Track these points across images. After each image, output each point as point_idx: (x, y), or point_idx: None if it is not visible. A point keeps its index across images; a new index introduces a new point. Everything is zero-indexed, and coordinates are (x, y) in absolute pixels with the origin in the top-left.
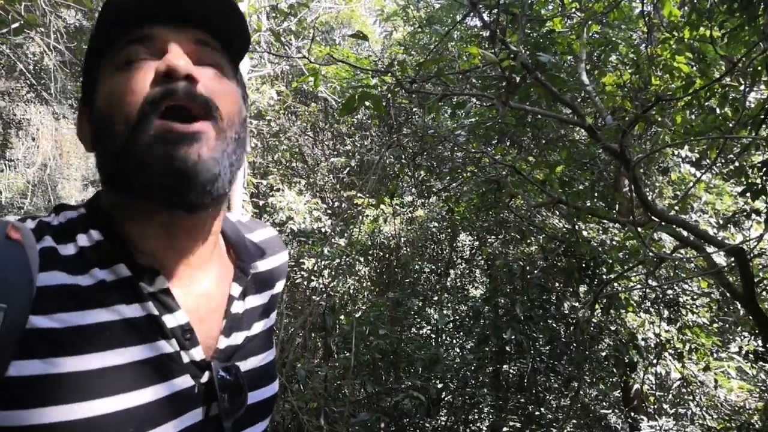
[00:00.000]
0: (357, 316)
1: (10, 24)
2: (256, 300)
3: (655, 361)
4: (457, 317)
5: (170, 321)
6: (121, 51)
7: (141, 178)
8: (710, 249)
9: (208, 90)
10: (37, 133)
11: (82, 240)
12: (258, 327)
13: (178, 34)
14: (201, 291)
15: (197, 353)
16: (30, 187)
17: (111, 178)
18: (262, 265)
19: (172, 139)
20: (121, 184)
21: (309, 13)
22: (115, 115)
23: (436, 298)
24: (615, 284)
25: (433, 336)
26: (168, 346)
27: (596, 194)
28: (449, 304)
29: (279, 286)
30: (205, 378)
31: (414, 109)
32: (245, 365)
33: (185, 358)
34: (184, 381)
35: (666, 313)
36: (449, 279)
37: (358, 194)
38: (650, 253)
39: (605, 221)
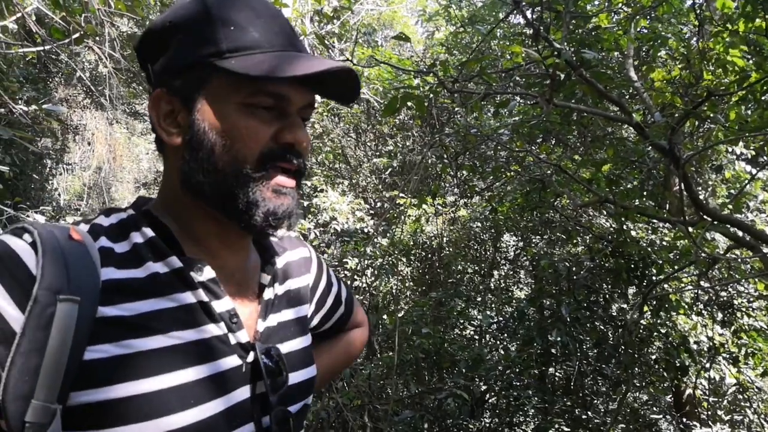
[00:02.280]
0: (400, 315)
1: (71, 34)
2: (281, 288)
3: (708, 365)
4: (501, 318)
5: (218, 306)
6: (249, 94)
7: (245, 215)
8: (767, 249)
9: (306, 152)
10: (92, 137)
11: (136, 237)
12: (289, 314)
13: (299, 96)
14: (240, 279)
15: (243, 336)
16: (86, 189)
17: (199, 190)
18: (281, 260)
19: (281, 191)
20: (217, 206)
21: (351, 15)
22: (231, 153)
23: (479, 298)
24: (665, 285)
25: (477, 337)
26: (217, 329)
27: (645, 193)
28: (493, 305)
29: (304, 280)
30: (250, 358)
31: (456, 109)
32: (284, 348)
33: (232, 340)
34: (233, 361)
35: (720, 315)
36: (493, 280)
37: (400, 194)
38: (702, 254)
39: (655, 221)
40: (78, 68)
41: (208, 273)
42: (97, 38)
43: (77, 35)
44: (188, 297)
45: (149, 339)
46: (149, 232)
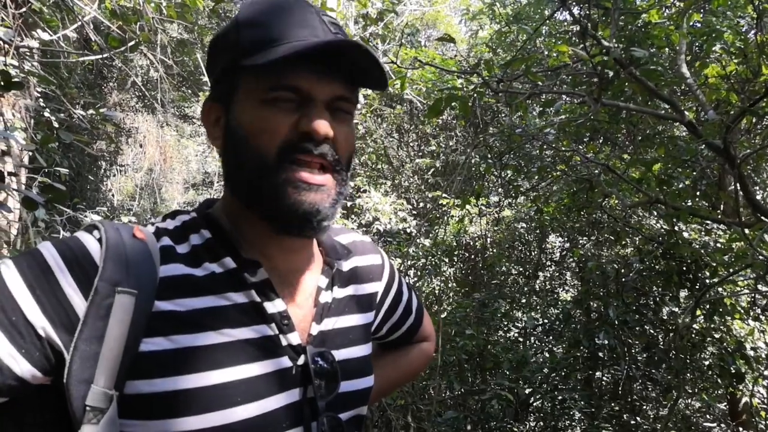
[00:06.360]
0: (443, 316)
1: (127, 42)
2: (341, 293)
3: (766, 372)
4: (546, 321)
5: (270, 307)
6: (268, 89)
7: (270, 211)
8: None
9: (340, 146)
10: (144, 140)
11: (195, 239)
12: (348, 320)
13: (322, 87)
14: (296, 281)
15: (294, 338)
16: (138, 190)
17: (237, 189)
18: (347, 264)
19: (301, 187)
20: (249, 203)
21: (395, 17)
22: (254, 147)
23: (524, 300)
24: (719, 289)
25: (521, 339)
26: (269, 330)
27: (698, 193)
28: (538, 307)
29: (373, 287)
30: (301, 361)
31: (501, 108)
32: (340, 354)
33: (283, 342)
34: (283, 362)
35: None
36: (538, 281)
37: (443, 195)
38: (760, 257)
39: (708, 222)
40: (131, 73)
41: (261, 274)
42: (150, 44)
43: (133, 43)
44: (241, 297)
45: (200, 335)
46: (207, 234)
